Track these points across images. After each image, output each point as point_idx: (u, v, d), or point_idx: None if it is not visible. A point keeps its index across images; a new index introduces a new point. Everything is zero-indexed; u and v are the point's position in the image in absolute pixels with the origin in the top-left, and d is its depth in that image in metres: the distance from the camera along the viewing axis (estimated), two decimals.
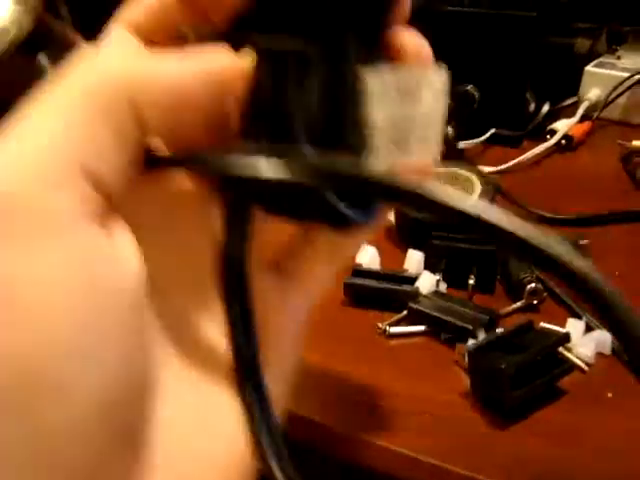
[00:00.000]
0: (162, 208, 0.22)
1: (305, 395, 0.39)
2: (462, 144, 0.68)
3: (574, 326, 0.41)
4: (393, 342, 0.43)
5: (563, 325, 0.42)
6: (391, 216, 0.53)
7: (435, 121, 0.23)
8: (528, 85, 0.74)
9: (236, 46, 0.21)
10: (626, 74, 0.77)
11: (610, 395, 0.38)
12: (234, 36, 0.21)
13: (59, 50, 0.40)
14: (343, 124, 0.21)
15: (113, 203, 0.19)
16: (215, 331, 0.23)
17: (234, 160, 0.20)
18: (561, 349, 0.40)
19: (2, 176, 0.18)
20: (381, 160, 0.21)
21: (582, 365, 0.40)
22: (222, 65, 0.20)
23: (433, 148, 0.22)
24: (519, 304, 0.45)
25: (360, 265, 0.48)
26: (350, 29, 0.21)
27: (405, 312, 0.44)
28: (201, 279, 0.23)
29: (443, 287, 0.46)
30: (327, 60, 0.21)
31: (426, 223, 0.49)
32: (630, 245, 0.53)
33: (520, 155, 0.67)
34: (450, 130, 0.65)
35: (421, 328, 0.43)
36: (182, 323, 0.23)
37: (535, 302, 0.45)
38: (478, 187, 0.52)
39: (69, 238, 0.18)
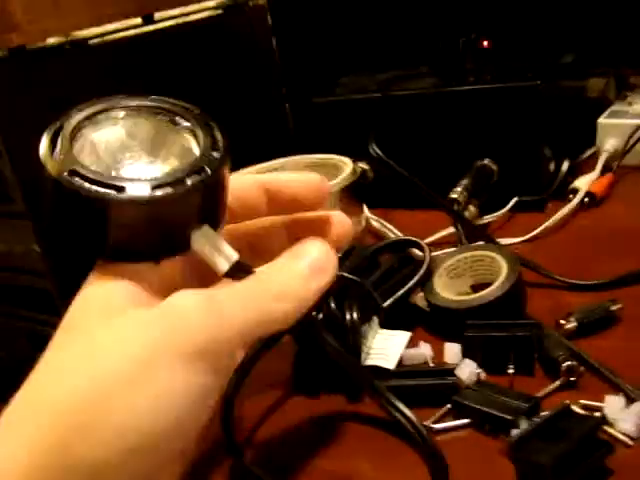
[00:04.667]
0: None
1: None
2: (486, 219, 0.70)
3: (613, 402, 0.42)
4: (439, 438, 0.44)
5: (603, 399, 0.43)
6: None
7: None
8: (543, 146, 0.75)
9: None
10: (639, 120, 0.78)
11: None
12: None
13: None
14: None
15: None
16: None
17: None
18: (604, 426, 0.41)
19: None
20: None
21: (626, 440, 0.40)
22: None
23: None
24: (557, 383, 0.45)
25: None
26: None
27: (449, 406, 0.46)
28: None
29: (483, 375, 0.48)
30: None
31: (459, 313, 0.51)
32: None
33: (545, 220, 0.68)
34: (472, 208, 0.67)
35: (465, 421, 0.44)
36: None
37: (573, 379, 0.45)
38: (504, 265, 0.54)
39: None
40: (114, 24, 0.93)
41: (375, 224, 0.74)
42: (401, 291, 0.53)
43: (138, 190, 0.27)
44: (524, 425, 0.41)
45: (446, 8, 1.04)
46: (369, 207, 0.77)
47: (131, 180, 0.28)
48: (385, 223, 0.72)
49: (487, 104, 0.72)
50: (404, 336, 0.51)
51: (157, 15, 0.96)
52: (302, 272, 0.30)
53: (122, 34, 0.90)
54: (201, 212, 0.29)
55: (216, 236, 0.30)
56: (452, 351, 0.49)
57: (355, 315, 0.47)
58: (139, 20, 0.92)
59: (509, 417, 0.42)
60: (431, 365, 0.50)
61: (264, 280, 0.30)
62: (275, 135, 0.91)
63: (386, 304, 0.51)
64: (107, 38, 0.88)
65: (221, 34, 0.96)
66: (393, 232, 0.71)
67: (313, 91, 0.85)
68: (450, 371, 0.47)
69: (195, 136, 0.30)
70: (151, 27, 0.95)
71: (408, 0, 1.06)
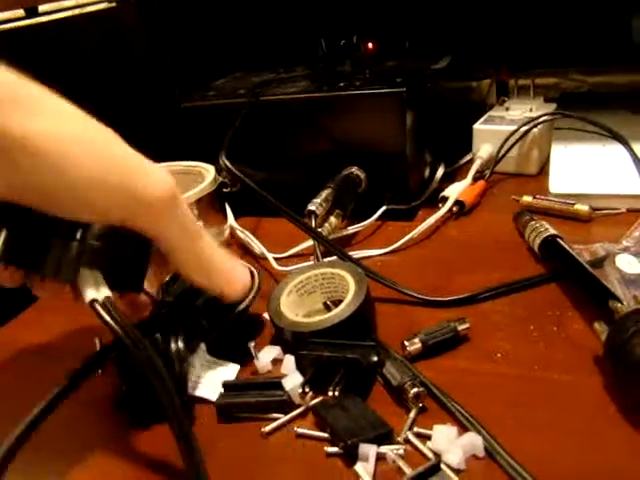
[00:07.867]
0: None
1: None
2: (351, 229, 0.68)
3: (441, 432, 0.40)
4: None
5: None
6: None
7: None
8: (420, 152, 0.73)
9: None
10: (513, 127, 0.77)
11: None
12: None
13: None
14: None
15: None
16: None
17: None
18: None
19: None
20: None
21: (450, 474, 0.38)
22: None
23: None
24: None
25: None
26: None
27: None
28: None
29: (310, 394, 0.45)
30: None
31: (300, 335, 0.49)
32: (514, 318, 0.52)
33: (413, 229, 0.67)
34: (333, 220, 0.64)
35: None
36: None
37: (421, 405, 0.43)
38: (352, 284, 0.51)
39: None
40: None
41: (240, 234, 0.71)
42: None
43: None
44: None
45: (331, 9, 1.02)
46: (239, 215, 0.74)
47: None
48: (248, 234, 0.70)
49: (355, 110, 0.70)
50: (233, 369, 0.49)
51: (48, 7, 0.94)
52: None
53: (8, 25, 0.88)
54: None
55: None
56: (289, 363, 0.48)
57: (181, 344, 0.44)
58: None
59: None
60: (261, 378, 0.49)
61: None
62: (144, 141, 0.87)
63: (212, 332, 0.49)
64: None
65: (96, 32, 0.93)
66: (256, 244, 0.68)
67: (186, 95, 0.82)
68: (278, 384, 0.45)
69: None
70: (34, 20, 0.95)
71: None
